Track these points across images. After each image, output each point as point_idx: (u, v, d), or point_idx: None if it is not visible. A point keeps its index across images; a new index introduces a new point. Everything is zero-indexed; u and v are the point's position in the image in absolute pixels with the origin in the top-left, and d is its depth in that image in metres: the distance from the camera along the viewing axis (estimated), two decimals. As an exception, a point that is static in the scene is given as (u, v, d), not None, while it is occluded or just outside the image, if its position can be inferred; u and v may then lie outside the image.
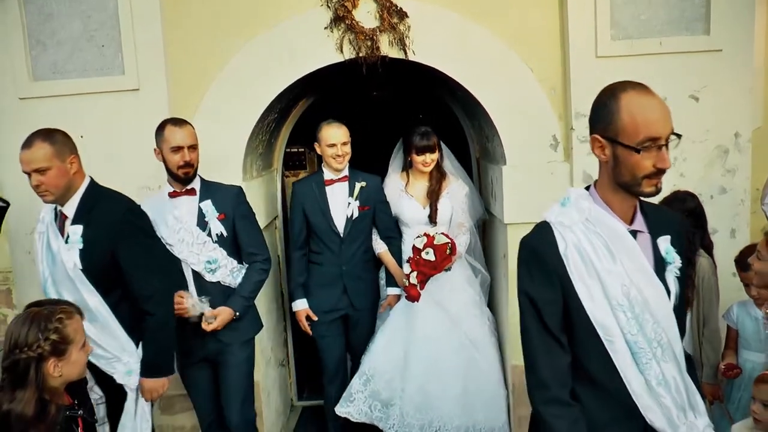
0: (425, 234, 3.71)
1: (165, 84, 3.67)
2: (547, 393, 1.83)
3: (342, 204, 3.84)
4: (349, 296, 3.88)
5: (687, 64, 3.54)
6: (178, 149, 3.17)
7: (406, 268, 3.72)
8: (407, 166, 4.05)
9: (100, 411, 2.69)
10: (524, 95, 3.69)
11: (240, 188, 3.43)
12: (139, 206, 3.00)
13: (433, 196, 3.97)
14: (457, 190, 4.03)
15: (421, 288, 3.67)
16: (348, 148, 3.80)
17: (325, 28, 3.65)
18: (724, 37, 3.52)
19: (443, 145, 4.11)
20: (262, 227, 4.02)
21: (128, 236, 2.81)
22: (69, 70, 3.71)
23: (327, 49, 3.68)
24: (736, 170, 3.59)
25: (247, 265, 3.35)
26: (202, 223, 3.25)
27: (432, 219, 3.95)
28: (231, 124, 3.73)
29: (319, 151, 3.84)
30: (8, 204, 3.29)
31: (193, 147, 3.23)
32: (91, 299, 2.75)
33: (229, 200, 3.31)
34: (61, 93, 3.69)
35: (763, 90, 4.40)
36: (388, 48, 3.66)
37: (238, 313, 3.26)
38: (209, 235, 3.24)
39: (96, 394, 2.70)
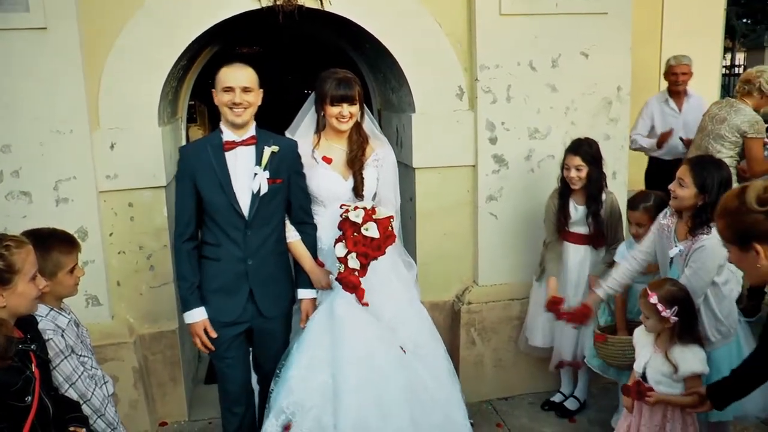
0: (360, 207, 2.96)
1: (75, 23, 3.52)
2: None
3: (247, 175, 2.99)
4: (256, 303, 3.03)
5: (579, 24, 3.96)
6: None
7: (340, 250, 2.92)
8: (320, 127, 3.30)
9: None
10: (433, 48, 3.94)
11: None
12: None
13: (356, 164, 3.23)
14: (385, 158, 3.33)
15: (362, 274, 2.91)
16: (252, 98, 2.95)
17: (244, -26, 3.69)
18: (608, 1, 3.96)
19: (365, 108, 3.35)
20: (167, 182, 3.96)
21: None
22: (-37, 3, 3.47)
23: (245, -4, 3.71)
24: (618, 119, 4.10)
25: None
26: None
27: (357, 192, 3.22)
28: (147, 66, 3.66)
29: (216, 101, 3.00)
30: None
31: None
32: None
33: None
34: (-48, 28, 3.45)
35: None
36: (305, -3, 3.76)
37: None
38: None
39: None
